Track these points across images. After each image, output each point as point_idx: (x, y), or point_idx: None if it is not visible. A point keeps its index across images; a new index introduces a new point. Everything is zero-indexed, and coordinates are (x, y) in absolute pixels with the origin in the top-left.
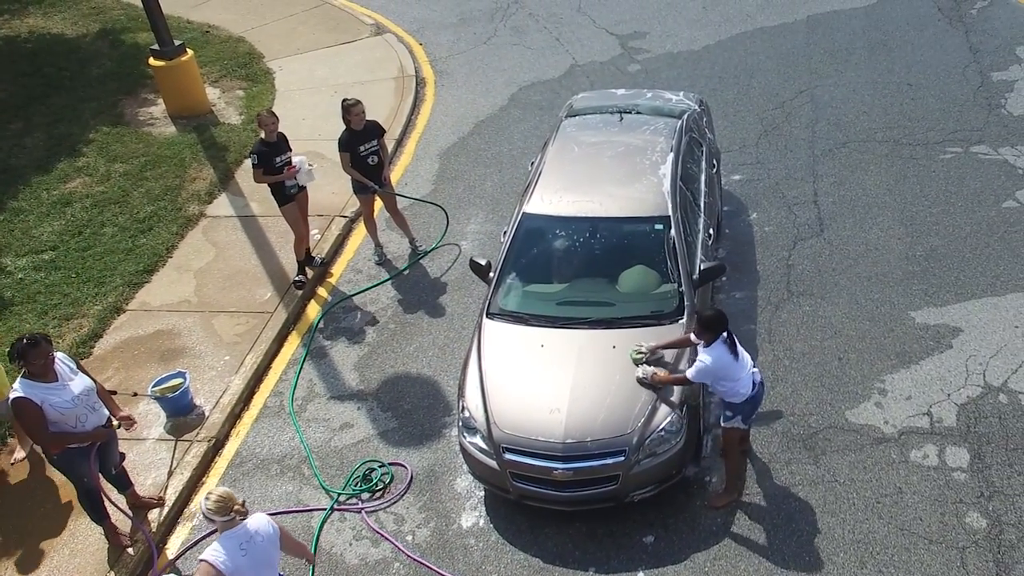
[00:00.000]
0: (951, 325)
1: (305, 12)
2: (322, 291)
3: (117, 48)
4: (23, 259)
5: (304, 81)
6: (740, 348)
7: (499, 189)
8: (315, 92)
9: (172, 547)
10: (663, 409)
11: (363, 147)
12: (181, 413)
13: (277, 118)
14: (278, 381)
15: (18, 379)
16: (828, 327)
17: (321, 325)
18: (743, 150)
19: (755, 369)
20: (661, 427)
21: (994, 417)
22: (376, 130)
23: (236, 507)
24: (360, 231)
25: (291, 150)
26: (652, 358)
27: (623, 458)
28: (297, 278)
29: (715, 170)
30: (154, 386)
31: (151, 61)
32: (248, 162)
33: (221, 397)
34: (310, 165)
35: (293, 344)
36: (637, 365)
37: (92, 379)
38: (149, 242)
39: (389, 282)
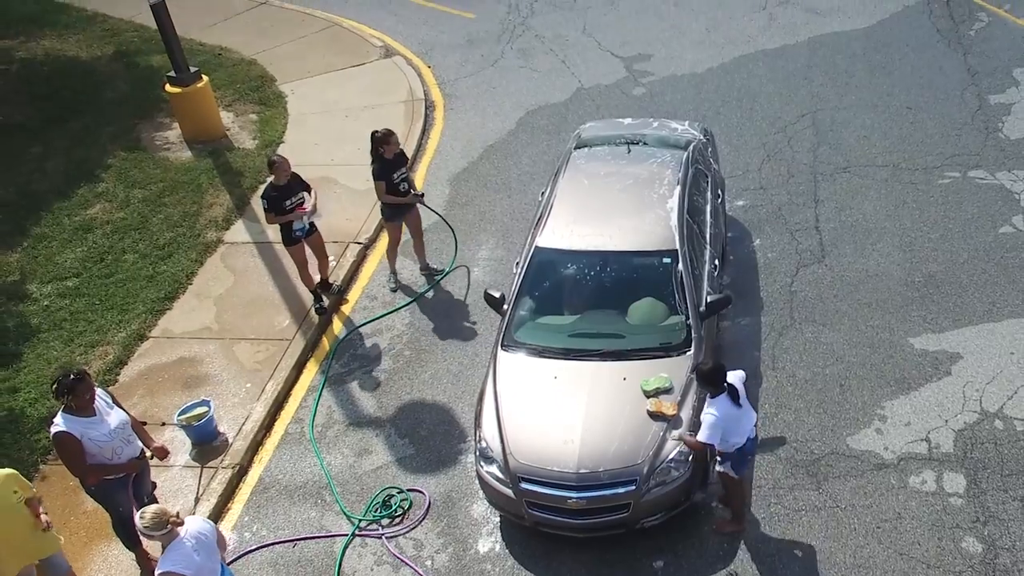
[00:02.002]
0: (949, 351)
1: (315, 34)
2: (338, 318)
3: (132, 71)
4: (48, 286)
5: (315, 105)
6: (745, 400)
7: (509, 215)
8: (327, 116)
9: None
10: (671, 441)
11: (396, 175)
12: (206, 440)
13: (287, 162)
14: (298, 408)
15: (59, 414)
16: (830, 353)
17: (337, 352)
18: (746, 175)
19: (754, 428)
20: (670, 457)
21: (990, 443)
22: (404, 158)
23: (171, 519)
24: (375, 258)
25: (307, 189)
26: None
27: (634, 487)
28: (316, 304)
29: (720, 200)
30: (180, 414)
31: (167, 88)
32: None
33: (244, 424)
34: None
35: (312, 371)
36: (647, 397)
37: (126, 412)
38: (169, 269)
39: (404, 308)
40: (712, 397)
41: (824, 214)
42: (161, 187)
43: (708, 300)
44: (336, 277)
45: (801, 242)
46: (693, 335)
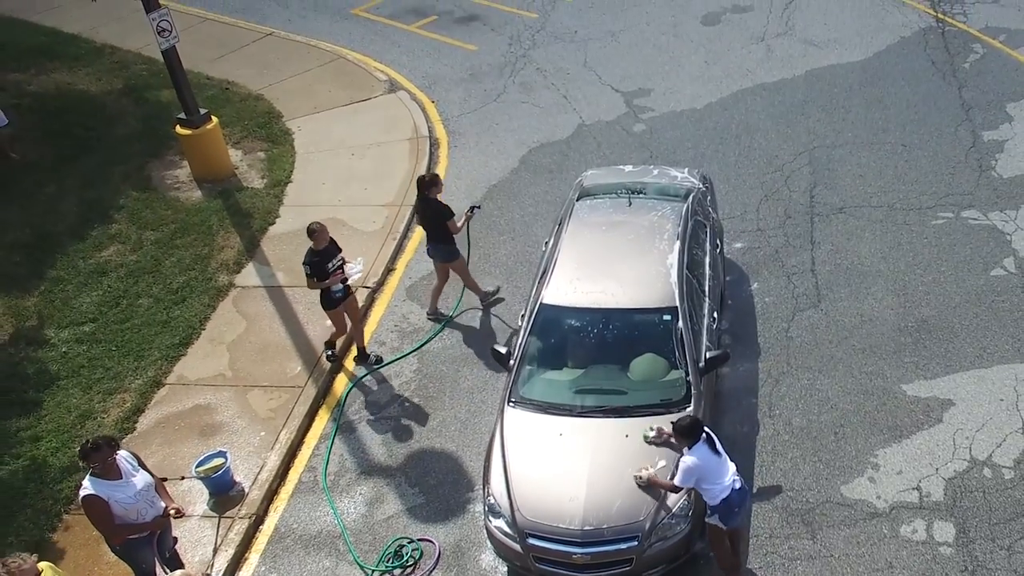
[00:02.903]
0: (940, 398)
1: (320, 67)
2: (349, 363)
3: (141, 106)
4: (65, 331)
5: (322, 142)
6: (722, 450)
7: (512, 258)
8: (334, 154)
9: None
10: (672, 496)
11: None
12: (223, 491)
13: (326, 229)
14: (311, 456)
15: (87, 477)
16: (825, 401)
17: (347, 399)
18: (744, 216)
19: (736, 476)
20: (672, 512)
21: (979, 491)
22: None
23: None
24: (383, 302)
25: (340, 251)
26: (660, 441)
27: (636, 543)
28: (328, 352)
29: (719, 250)
30: (197, 466)
31: (178, 129)
32: (272, 229)
33: (259, 473)
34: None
35: (323, 419)
36: (647, 443)
37: (151, 474)
38: (183, 314)
39: (411, 354)
40: (690, 448)
41: (820, 257)
42: (173, 229)
43: (707, 356)
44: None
45: (798, 286)
46: (693, 391)
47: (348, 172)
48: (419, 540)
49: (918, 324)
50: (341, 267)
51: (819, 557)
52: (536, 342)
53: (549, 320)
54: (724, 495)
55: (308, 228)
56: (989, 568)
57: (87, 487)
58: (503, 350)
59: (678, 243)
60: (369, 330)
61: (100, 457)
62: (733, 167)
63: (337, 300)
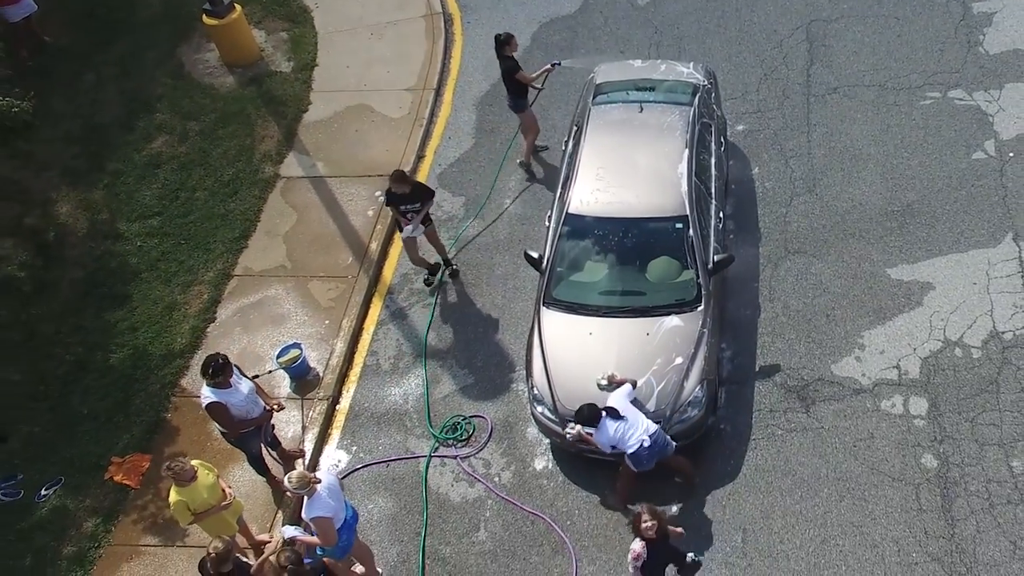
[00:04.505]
0: (921, 281)
1: None
2: (393, 252)
3: None
4: (134, 224)
5: (341, 21)
6: (628, 413)
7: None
8: (353, 35)
9: None
10: (688, 386)
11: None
12: (301, 376)
13: (405, 177)
14: (371, 341)
15: (204, 387)
16: (818, 284)
17: (396, 288)
18: (745, 98)
19: (646, 435)
20: (688, 400)
21: (950, 369)
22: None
23: (311, 479)
24: None
25: (431, 196)
26: (611, 387)
27: (659, 426)
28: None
29: (723, 148)
30: (277, 357)
31: (204, 19)
32: (306, 117)
33: (329, 359)
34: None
35: (377, 306)
36: (601, 390)
37: (250, 380)
38: (238, 207)
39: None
40: (597, 429)
41: (815, 139)
42: (214, 119)
43: (715, 260)
44: (386, 213)
45: (795, 170)
46: (703, 292)
47: (369, 53)
48: (472, 416)
49: (903, 209)
50: (417, 210)
51: (811, 429)
52: (564, 248)
53: (575, 228)
54: (634, 449)
55: (392, 174)
56: (955, 438)
57: (208, 395)
58: (535, 255)
59: (686, 151)
60: None
61: (226, 375)
62: (734, 42)
63: (410, 238)
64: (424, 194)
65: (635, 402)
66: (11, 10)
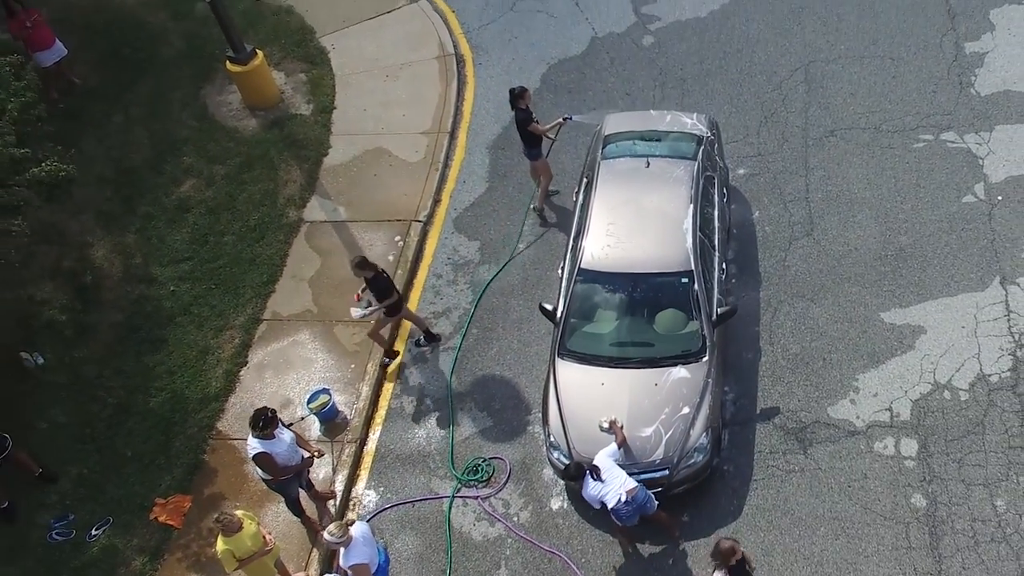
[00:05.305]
0: (912, 325)
1: None
2: (413, 296)
3: (179, 22)
4: (167, 268)
5: (357, 63)
6: (608, 474)
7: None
8: (369, 76)
9: None
10: (694, 434)
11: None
12: (330, 420)
13: (366, 263)
14: (395, 385)
15: (251, 438)
16: (815, 328)
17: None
18: (746, 140)
19: (623, 491)
20: (694, 447)
21: (939, 411)
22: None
23: (346, 527)
24: (434, 234)
25: (386, 298)
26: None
27: (667, 472)
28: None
29: (725, 199)
30: (308, 403)
31: (228, 66)
32: (326, 161)
33: (356, 402)
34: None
35: (400, 350)
36: (601, 431)
37: (291, 430)
38: (265, 251)
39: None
40: (582, 485)
41: (813, 183)
42: (238, 162)
43: (718, 312)
44: (406, 258)
45: (793, 214)
46: (707, 343)
47: (385, 96)
48: (492, 458)
49: (896, 253)
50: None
51: (809, 470)
52: (577, 301)
53: (587, 282)
54: (612, 505)
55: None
56: (943, 478)
57: (256, 446)
58: (550, 307)
59: (691, 207)
60: (425, 264)
61: (272, 427)
62: (735, 84)
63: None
64: (381, 293)
65: (636, 451)
66: (44, 55)
